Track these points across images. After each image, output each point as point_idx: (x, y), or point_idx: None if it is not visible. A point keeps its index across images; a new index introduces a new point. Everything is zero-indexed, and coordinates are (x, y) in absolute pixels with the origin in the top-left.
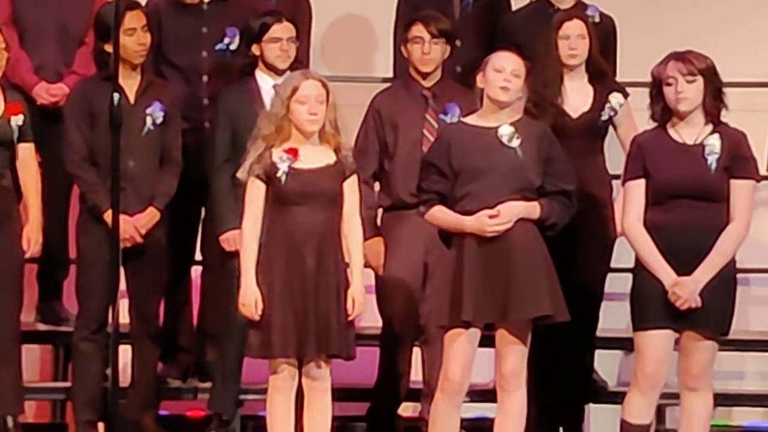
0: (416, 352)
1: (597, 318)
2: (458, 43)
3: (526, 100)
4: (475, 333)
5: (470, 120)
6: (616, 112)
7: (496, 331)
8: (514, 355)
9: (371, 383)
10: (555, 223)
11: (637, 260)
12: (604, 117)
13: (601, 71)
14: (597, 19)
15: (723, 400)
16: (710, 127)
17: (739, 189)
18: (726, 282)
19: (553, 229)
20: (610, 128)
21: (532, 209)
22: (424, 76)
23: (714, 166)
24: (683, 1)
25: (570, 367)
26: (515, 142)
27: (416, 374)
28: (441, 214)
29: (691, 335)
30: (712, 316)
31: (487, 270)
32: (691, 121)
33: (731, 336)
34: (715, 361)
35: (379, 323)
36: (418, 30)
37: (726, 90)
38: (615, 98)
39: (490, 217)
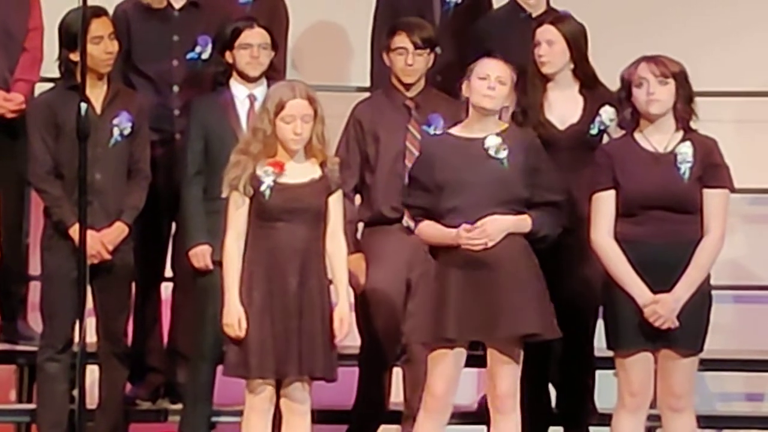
0: (396, 372)
1: (591, 337)
2: (438, 50)
3: (513, 108)
4: (461, 353)
5: (455, 131)
6: (607, 127)
7: (486, 350)
8: (507, 374)
9: (349, 405)
10: (546, 236)
11: (608, 277)
12: (594, 131)
13: (591, 80)
14: None
15: (739, 422)
16: (680, 134)
17: (714, 199)
18: (700, 298)
19: (544, 241)
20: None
21: (521, 223)
22: (407, 86)
23: (687, 175)
24: (680, 8)
25: (565, 389)
26: (502, 154)
27: (396, 395)
28: (431, 230)
29: (668, 354)
30: (687, 334)
31: (472, 287)
32: (661, 126)
33: (746, 356)
34: (731, 383)
35: (358, 342)
36: (401, 40)
37: (728, 100)
38: (606, 112)
39: (467, 231)
